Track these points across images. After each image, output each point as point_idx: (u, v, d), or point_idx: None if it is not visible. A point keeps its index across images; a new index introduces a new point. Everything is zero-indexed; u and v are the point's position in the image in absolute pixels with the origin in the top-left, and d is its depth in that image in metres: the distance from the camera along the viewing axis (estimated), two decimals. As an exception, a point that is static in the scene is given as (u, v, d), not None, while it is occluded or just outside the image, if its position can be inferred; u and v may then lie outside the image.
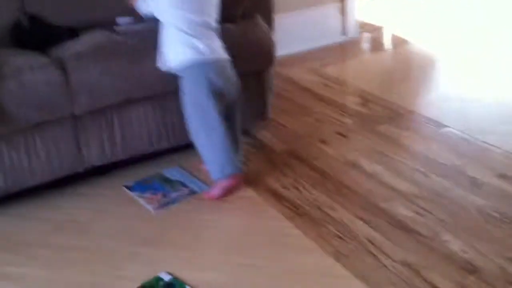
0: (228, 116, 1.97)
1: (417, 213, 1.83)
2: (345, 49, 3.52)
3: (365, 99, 2.74)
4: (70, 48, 2.02)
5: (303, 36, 3.42)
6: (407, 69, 3.14)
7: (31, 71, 1.84)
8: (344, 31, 3.64)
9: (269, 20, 2.35)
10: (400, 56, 3.36)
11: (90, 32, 2.17)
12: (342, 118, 2.55)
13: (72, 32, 2.16)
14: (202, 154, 1.96)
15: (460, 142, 2.27)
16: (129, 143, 2.07)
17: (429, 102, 2.68)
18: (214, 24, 1.98)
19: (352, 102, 2.74)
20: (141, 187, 2.06)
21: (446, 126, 2.40)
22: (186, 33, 1.89)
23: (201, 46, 1.89)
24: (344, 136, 2.39)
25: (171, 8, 1.91)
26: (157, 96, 2.08)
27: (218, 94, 1.91)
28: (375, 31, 3.82)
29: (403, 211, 1.85)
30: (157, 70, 1.98)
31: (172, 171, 2.16)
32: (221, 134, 1.91)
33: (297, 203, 1.94)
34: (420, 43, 3.52)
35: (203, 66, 1.89)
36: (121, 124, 2.04)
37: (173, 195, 2.01)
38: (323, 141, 2.35)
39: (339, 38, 3.62)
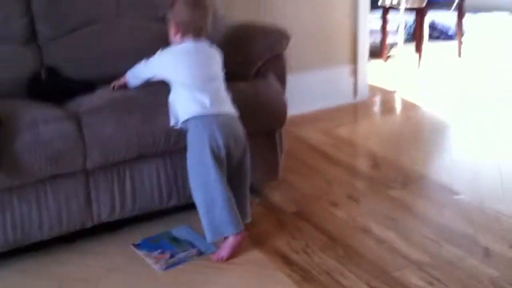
0: (234, 173, 1.96)
1: (430, 283, 1.79)
2: (356, 110, 3.54)
3: (376, 162, 2.73)
4: (85, 102, 2.04)
5: (314, 96, 3.45)
6: (419, 133, 3.14)
7: (46, 124, 1.85)
8: (355, 93, 3.67)
9: (282, 80, 2.37)
10: (411, 120, 3.37)
11: (106, 86, 2.20)
12: (353, 181, 2.54)
13: (89, 86, 2.18)
14: (199, 212, 1.93)
15: (473, 210, 2.25)
16: (139, 200, 2.06)
17: (441, 167, 2.67)
18: (220, 77, 2.01)
19: (363, 164, 2.73)
20: (149, 245, 2.03)
21: (458, 193, 2.38)
22: (190, 87, 1.93)
23: (205, 100, 1.91)
24: (355, 199, 2.37)
25: (174, 65, 1.98)
26: (169, 153, 2.08)
27: (220, 150, 1.89)
28: (387, 94, 3.86)
29: (415, 280, 1.81)
30: (170, 127, 1.99)
31: (180, 230, 2.13)
32: (220, 193, 1.88)
33: (306, 267, 1.90)
34: (431, 107, 3.54)
35: (206, 120, 1.90)
36: (133, 180, 2.03)
37: (181, 255, 1.98)
38: (334, 204, 2.33)
39: (351, 100, 3.64)
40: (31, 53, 2.34)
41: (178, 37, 2.04)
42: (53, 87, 2.22)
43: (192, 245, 2.03)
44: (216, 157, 1.88)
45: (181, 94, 1.95)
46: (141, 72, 2.10)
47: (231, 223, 1.90)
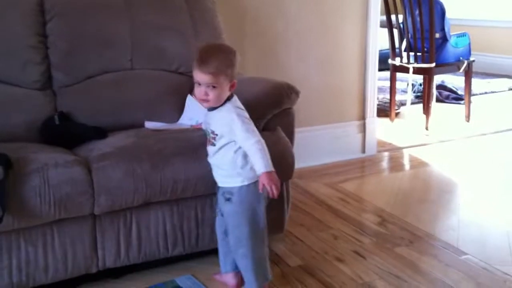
0: None
1: None
2: (363, 166, 3.56)
3: (383, 218, 2.72)
4: (96, 148, 2.07)
5: (323, 151, 3.49)
6: (426, 191, 3.14)
7: (55, 168, 1.87)
8: (363, 149, 3.70)
9: (290, 134, 2.39)
10: (419, 177, 3.38)
11: (118, 133, 2.23)
12: (359, 237, 2.52)
13: (101, 132, 2.22)
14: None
15: (480, 271, 2.22)
16: (144, 247, 2.05)
17: (448, 226, 2.65)
18: None
19: (369, 220, 2.71)
20: (152, 293, 2.03)
21: (465, 253, 2.35)
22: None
23: None
24: (360, 255, 2.35)
25: None
26: (176, 202, 2.09)
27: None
28: (395, 151, 3.88)
29: None
30: (178, 176, 2.00)
31: (184, 280, 2.11)
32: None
33: (310, 323, 1.87)
34: (439, 167, 3.55)
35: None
36: (139, 227, 2.03)
37: (183, 305, 1.96)
38: (340, 259, 2.31)
39: (358, 155, 3.67)
40: (46, 98, 2.40)
41: (229, 92, 1.89)
42: (65, 132, 2.26)
43: (194, 296, 2.02)
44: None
45: (243, 155, 1.88)
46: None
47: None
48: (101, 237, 1.98)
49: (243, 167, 1.87)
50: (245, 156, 1.86)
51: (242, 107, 1.91)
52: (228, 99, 1.88)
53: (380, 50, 3.72)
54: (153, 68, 2.60)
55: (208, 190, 2.08)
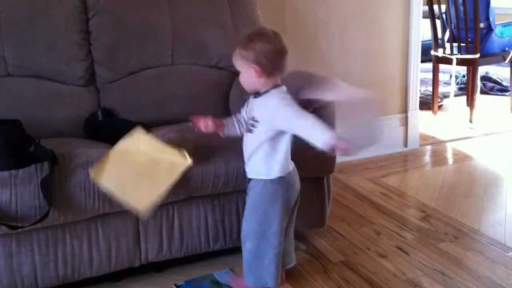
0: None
1: None
2: (406, 160, 3.50)
3: (427, 213, 2.67)
4: (139, 143, 2.09)
5: (364, 144, 3.44)
6: (471, 185, 3.06)
7: (100, 163, 1.89)
8: (405, 142, 3.64)
9: (331, 127, 2.35)
10: (463, 171, 3.30)
11: (160, 128, 2.25)
12: (402, 232, 2.48)
13: (143, 128, 2.23)
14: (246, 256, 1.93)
15: (528, 268, 2.16)
16: (186, 241, 2.07)
17: (494, 222, 2.58)
18: None
19: (412, 215, 2.67)
20: (191, 287, 2.04)
21: (512, 249, 2.30)
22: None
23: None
24: (404, 251, 2.31)
25: None
26: (217, 196, 2.09)
27: (291, 203, 1.93)
28: (438, 144, 3.80)
29: None
30: (219, 170, 2.00)
31: (222, 274, 2.12)
32: (275, 246, 1.90)
33: (353, 319, 1.86)
34: (485, 160, 3.46)
35: (290, 176, 1.91)
36: (181, 221, 2.05)
37: (221, 299, 1.97)
38: (382, 255, 2.28)
39: (401, 149, 3.61)
40: (89, 95, 2.44)
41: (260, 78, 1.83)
42: (108, 128, 2.29)
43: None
44: (286, 210, 1.90)
45: (286, 146, 1.87)
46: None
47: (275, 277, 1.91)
48: (144, 231, 2.00)
49: (270, 160, 1.84)
50: (275, 150, 1.84)
51: (289, 96, 1.85)
52: (275, 87, 1.84)
53: (422, 41, 3.64)
54: (193, 63, 2.61)
55: (249, 185, 2.08)
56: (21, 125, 1.91)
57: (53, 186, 1.77)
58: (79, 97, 2.41)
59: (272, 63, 1.80)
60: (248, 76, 1.82)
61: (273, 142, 1.84)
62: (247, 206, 1.92)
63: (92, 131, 2.29)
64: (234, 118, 2.02)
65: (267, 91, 1.83)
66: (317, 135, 1.73)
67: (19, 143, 1.82)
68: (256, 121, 1.84)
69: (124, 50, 2.49)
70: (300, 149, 2.08)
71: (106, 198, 1.85)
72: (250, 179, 1.91)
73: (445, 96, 4.79)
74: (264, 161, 1.85)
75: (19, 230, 1.75)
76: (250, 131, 1.86)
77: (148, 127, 2.24)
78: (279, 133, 1.83)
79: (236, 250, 2.19)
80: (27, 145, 1.84)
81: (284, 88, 1.86)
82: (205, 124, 1.95)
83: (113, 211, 1.91)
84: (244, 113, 1.97)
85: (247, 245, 1.90)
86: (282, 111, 1.79)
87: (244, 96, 2.41)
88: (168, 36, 2.55)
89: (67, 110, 2.35)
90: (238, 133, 1.98)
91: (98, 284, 2.02)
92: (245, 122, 1.94)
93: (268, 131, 1.82)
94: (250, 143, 1.88)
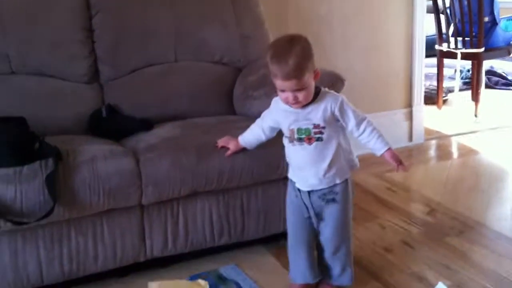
0: None
1: (488, 336, 1.71)
2: (411, 154, 3.49)
3: (432, 208, 2.66)
4: (143, 140, 2.09)
5: (368, 140, 3.43)
6: (476, 180, 3.05)
7: (104, 160, 1.90)
8: (410, 137, 3.63)
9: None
10: (468, 166, 3.29)
11: (164, 125, 2.25)
12: (407, 227, 2.47)
13: (147, 124, 2.24)
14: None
15: (534, 261, 2.15)
16: (191, 237, 2.07)
17: (500, 216, 2.57)
18: None
19: (418, 210, 2.66)
20: (196, 283, 2.04)
21: (518, 243, 2.29)
22: None
23: None
24: (409, 245, 2.30)
25: None
26: (222, 192, 2.09)
27: None
28: (443, 139, 3.79)
29: (473, 333, 1.73)
30: (223, 167, 2.00)
31: (228, 270, 2.12)
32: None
33: (359, 314, 1.85)
34: (490, 154, 3.45)
35: None
36: (186, 217, 2.05)
37: (226, 294, 1.97)
38: (388, 250, 2.27)
39: (405, 143, 3.60)
40: (93, 92, 2.44)
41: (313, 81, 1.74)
42: (112, 124, 2.29)
43: (238, 286, 2.01)
44: None
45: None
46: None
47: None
48: (149, 227, 2.00)
49: (347, 157, 1.83)
50: (347, 141, 1.83)
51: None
52: (319, 89, 1.76)
53: (426, 36, 3.63)
54: (196, 60, 2.61)
55: (253, 180, 2.08)
56: (25, 122, 1.92)
57: (57, 182, 1.77)
58: (83, 94, 2.41)
59: None
60: (311, 87, 1.71)
61: (344, 135, 1.82)
62: (336, 216, 1.84)
63: (96, 128, 2.30)
64: (254, 135, 1.97)
65: (316, 95, 1.75)
66: (373, 140, 1.81)
67: (24, 140, 1.82)
68: (324, 127, 1.74)
69: (127, 48, 2.49)
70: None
71: (110, 194, 1.86)
72: (320, 190, 1.81)
73: (450, 90, 4.77)
74: (347, 159, 1.84)
75: (24, 226, 1.76)
76: (319, 139, 1.74)
77: (152, 124, 2.25)
78: (341, 124, 1.79)
79: (241, 245, 2.20)
80: (31, 142, 1.84)
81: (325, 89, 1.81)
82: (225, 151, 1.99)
83: (117, 207, 1.91)
84: (286, 128, 1.80)
85: (344, 250, 1.90)
86: (348, 107, 1.78)
87: (249, 92, 2.42)
88: (170, 33, 2.55)
89: (70, 108, 2.35)
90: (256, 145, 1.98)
91: (104, 279, 2.02)
92: (296, 138, 1.77)
93: (338, 129, 1.78)
94: (325, 152, 1.76)
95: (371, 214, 2.62)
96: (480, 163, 3.34)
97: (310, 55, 1.69)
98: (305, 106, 1.73)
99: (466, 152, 3.53)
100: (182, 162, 1.97)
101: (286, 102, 1.71)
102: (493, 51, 4.33)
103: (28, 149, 1.81)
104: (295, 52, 1.64)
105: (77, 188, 1.81)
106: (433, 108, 4.39)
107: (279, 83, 1.67)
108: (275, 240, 2.25)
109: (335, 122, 1.77)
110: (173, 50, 2.56)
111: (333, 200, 1.82)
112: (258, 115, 1.97)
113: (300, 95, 1.67)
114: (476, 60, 4.29)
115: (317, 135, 1.74)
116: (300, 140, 1.76)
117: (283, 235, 2.02)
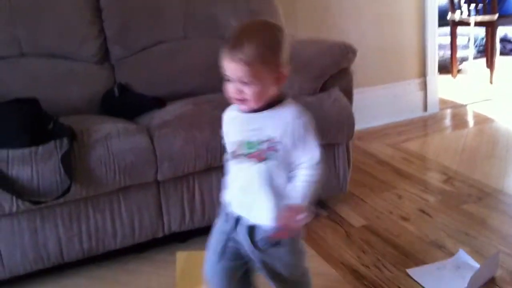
0: None
1: (509, 300, 1.70)
2: (426, 125, 3.46)
3: (448, 176, 2.64)
4: (156, 117, 2.09)
5: (383, 111, 3.41)
6: (492, 147, 3.02)
7: (118, 137, 1.90)
8: (424, 107, 3.59)
9: (348, 94, 2.34)
10: (484, 134, 3.25)
11: (176, 102, 2.25)
12: (424, 195, 2.46)
13: (160, 102, 2.24)
14: None
15: (554, 225, 2.13)
16: (208, 211, 2.07)
17: (517, 182, 2.55)
18: None
19: (434, 178, 2.64)
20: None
21: (537, 207, 2.27)
22: None
23: None
24: (426, 214, 2.29)
25: None
26: (237, 166, 2.09)
27: None
28: (458, 108, 3.75)
29: (493, 297, 1.72)
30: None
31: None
32: None
33: (378, 282, 1.84)
34: (506, 122, 3.41)
35: None
36: (202, 191, 2.05)
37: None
38: (405, 218, 2.26)
39: (420, 114, 3.57)
40: (104, 71, 2.44)
41: (279, 86, 1.30)
42: (125, 103, 2.29)
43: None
44: None
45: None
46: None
47: None
48: (166, 202, 2.01)
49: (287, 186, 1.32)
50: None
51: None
52: (285, 97, 1.32)
53: (438, 6, 3.57)
54: (206, 36, 2.59)
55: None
56: (38, 103, 1.92)
57: (73, 161, 1.78)
58: (94, 74, 2.42)
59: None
60: (265, 87, 1.26)
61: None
62: (282, 259, 1.38)
63: (109, 107, 2.30)
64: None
65: (278, 103, 1.30)
66: (300, 185, 1.28)
67: (38, 120, 1.83)
68: (278, 142, 1.28)
69: (136, 26, 2.49)
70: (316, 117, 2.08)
71: (126, 171, 1.87)
72: (260, 227, 1.33)
73: (464, 59, 4.70)
74: (286, 192, 1.31)
75: (42, 205, 1.78)
76: (271, 158, 1.28)
77: (165, 102, 2.25)
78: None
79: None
80: (45, 123, 1.85)
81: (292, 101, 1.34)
82: None
83: (133, 183, 1.92)
84: (232, 140, 1.35)
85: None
86: (310, 134, 1.30)
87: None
88: (178, 10, 2.54)
89: (82, 88, 2.36)
90: None
91: (123, 255, 2.04)
92: (242, 154, 1.31)
93: (291, 153, 1.30)
94: (278, 178, 1.30)
95: (388, 184, 2.61)
96: (496, 131, 3.30)
97: (278, 49, 1.26)
98: (258, 111, 1.29)
99: (482, 120, 3.49)
100: (196, 137, 1.97)
101: (231, 95, 1.27)
102: (507, 17, 4.25)
103: (43, 129, 1.82)
104: (260, 36, 1.25)
105: (93, 166, 1.82)
106: (447, 77, 4.34)
107: (226, 63, 1.24)
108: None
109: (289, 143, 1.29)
110: (182, 27, 2.55)
111: (278, 243, 1.34)
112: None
113: (248, 90, 1.24)
114: (490, 27, 4.22)
115: (270, 152, 1.28)
116: (247, 156, 1.30)
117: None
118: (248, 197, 1.33)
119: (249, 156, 1.30)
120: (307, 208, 1.28)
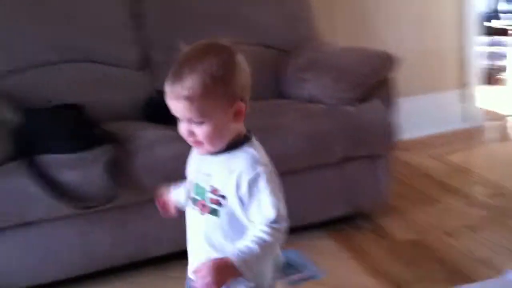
0: None
1: None
2: (467, 136, 3.38)
3: (494, 190, 2.57)
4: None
5: (422, 121, 3.34)
6: (540, 161, 2.93)
7: (160, 145, 1.90)
8: (464, 118, 3.51)
9: (389, 104, 2.29)
10: (530, 146, 3.17)
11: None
12: (469, 210, 2.39)
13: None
14: None
15: None
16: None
17: None
18: None
19: (480, 193, 2.57)
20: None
21: None
22: None
23: None
24: (472, 230, 2.22)
25: None
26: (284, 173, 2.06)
27: None
28: (501, 119, 3.66)
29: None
30: (279, 149, 1.94)
31: (290, 253, 2.08)
32: None
33: (424, 299, 1.80)
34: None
35: None
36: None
37: (290, 277, 1.93)
38: (449, 234, 2.20)
39: (460, 125, 3.49)
40: (144, 77, 2.44)
41: (238, 123, 1.11)
42: (166, 110, 2.27)
43: (301, 269, 1.98)
44: None
45: None
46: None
47: None
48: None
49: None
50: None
51: (267, 158, 1.13)
52: (247, 139, 1.13)
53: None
54: (244, 43, 2.56)
55: (308, 163, 2.04)
56: (84, 109, 1.93)
57: (117, 167, 1.78)
58: (135, 80, 2.42)
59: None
60: (221, 125, 1.08)
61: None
62: None
63: (150, 114, 2.29)
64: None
65: (234, 147, 1.12)
66: (243, 242, 1.06)
67: (85, 126, 1.83)
68: (222, 196, 1.10)
69: (176, 32, 2.47)
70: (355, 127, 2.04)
71: (170, 178, 1.84)
72: None
73: (503, 68, 4.60)
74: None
75: (90, 210, 1.78)
76: (213, 213, 1.11)
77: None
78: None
79: (295, 229, 2.16)
80: (92, 128, 1.85)
81: (256, 142, 1.15)
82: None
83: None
84: (189, 173, 1.23)
85: None
86: (262, 190, 1.08)
87: (299, 74, 2.37)
88: (219, 14, 2.52)
89: (123, 94, 2.36)
90: None
91: (168, 262, 2.02)
92: (191, 197, 1.18)
93: (241, 209, 1.10)
94: (218, 238, 1.12)
95: (431, 197, 2.54)
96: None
97: (229, 77, 1.08)
98: (217, 154, 1.12)
99: (527, 133, 3.40)
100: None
101: (184, 137, 1.13)
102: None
103: (89, 135, 1.82)
104: (203, 64, 1.08)
105: (137, 173, 1.82)
106: (488, 87, 4.24)
107: (169, 100, 1.11)
108: (333, 224, 2.23)
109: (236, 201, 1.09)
110: (223, 33, 2.53)
111: None
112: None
113: (199, 131, 1.08)
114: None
115: (213, 205, 1.11)
116: (194, 201, 1.16)
117: (343, 219, 1.97)
118: (193, 247, 1.21)
119: (196, 203, 1.14)
120: (242, 272, 1.03)
